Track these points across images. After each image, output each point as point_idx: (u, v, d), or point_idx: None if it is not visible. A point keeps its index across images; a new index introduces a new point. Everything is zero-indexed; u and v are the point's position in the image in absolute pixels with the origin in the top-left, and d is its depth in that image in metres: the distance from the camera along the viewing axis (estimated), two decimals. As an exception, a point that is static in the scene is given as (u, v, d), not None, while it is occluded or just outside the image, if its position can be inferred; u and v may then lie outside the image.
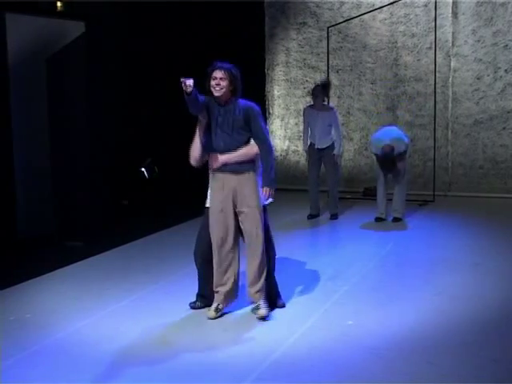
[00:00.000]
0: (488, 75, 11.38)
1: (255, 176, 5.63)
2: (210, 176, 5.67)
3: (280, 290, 6.47)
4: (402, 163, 9.34)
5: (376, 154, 9.36)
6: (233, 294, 5.80)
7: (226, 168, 5.54)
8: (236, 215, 5.64)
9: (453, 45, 11.50)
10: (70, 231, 8.70)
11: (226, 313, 5.85)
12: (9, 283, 6.83)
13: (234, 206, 5.61)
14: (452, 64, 11.55)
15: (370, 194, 10.93)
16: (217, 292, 5.75)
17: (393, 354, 5.03)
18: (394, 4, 11.54)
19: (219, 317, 5.76)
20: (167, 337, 5.37)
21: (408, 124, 11.64)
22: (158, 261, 7.71)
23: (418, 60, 11.70)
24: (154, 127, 7.71)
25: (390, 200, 9.56)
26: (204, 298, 5.97)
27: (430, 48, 11.48)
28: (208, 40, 10.57)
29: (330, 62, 11.77)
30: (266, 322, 5.69)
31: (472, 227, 9.25)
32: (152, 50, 9.69)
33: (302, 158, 12.07)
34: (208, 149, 5.56)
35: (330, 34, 11.68)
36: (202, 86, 5.48)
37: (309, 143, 9.85)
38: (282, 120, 12.74)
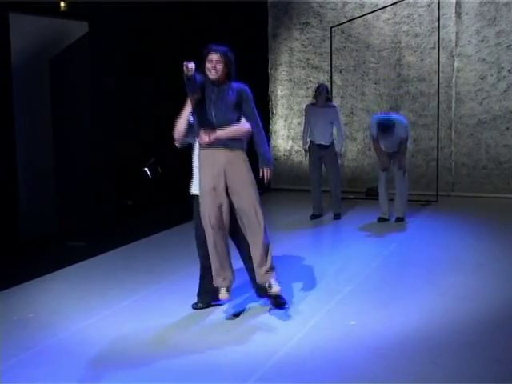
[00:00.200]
0: (491, 75, 11.36)
1: (245, 155, 5.56)
2: (200, 154, 5.55)
3: (283, 289, 6.47)
4: (402, 159, 9.29)
5: (377, 123, 9.24)
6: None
7: (217, 143, 5.45)
8: (228, 196, 5.51)
9: (456, 45, 11.48)
10: (73, 231, 8.71)
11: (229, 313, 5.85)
12: (11, 283, 6.83)
13: (226, 186, 5.48)
14: (455, 64, 11.53)
15: (372, 194, 10.92)
16: (220, 277, 5.63)
17: (396, 354, 5.02)
18: (398, 4, 11.53)
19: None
20: (170, 337, 5.36)
21: (411, 124, 11.58)
22: (160, 261, 7.71)
23: (422, 60, 11.68)
24: (157, 127, 7.69)
25: (392, 200, 9.54)
26: (207, 294, 5.92)
27: (433, 48, 11.46)
28: (211, 40, 10.54)
29: (333, 62, 11.77)
30: (269, 323, 5.68)
31: (475, 227, 9.24)
32: (155, 49, 9.68)
33: (304, 156, 12.04)
34: (201, 123, 5.47)
35: (333, 33, 11.68)
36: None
37: (309, 142, 9.85)
38: (286, 120, 12.74)
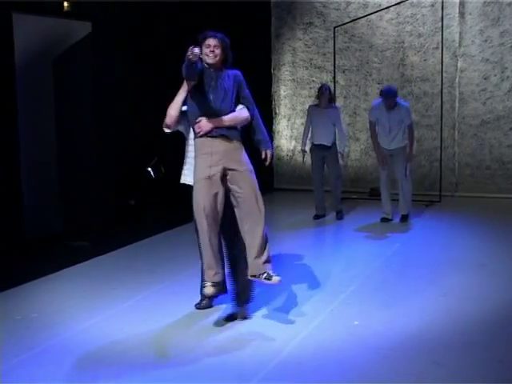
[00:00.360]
0: (495, 75, 11.35)
1: (242, 144, 5.48)
2: (196, 143, 5.42)
3: (286, 289, 6.49)
4: (404, 155, 9.29)
5: (381, 91, 9.33)
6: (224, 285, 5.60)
7: (215, 132, 5.34)
8: (224, 185, 5.37)
9: (460, 45, 11.47)
10: (77, 231, 8.72)
11: (232, 313, 5.84)
12: (16, 283, 6.84)
13: (223, 175, 5.35)
14: (459, 64, 11.52)
15: (376, 195, 10.90)
16: (212, 270, 5.42)
17: (398, 354, 5.02)
18: (401, 4, 11.53)
19: (215, 296, 5.64)
20: (172, 337, 5.37)
21: (415, 124, 11.59)
22: (163, 261, 7.72)
23: (425, 60, 11.67)
24: (160, 127, 7.67)
25: (395, 200, 9.53)
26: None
27: (436, 48, 11.45)
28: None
29: (337, 62, 11.76)
30: (272, 323, 5.68)
31: (478, 228, 9.23)
32: (157, 50, 9.69)
33: (308, 158, 12.05)
34: (199, 111, 5.37)
35: (336, 33, 11.68)
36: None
37: (310, 144, 9.84)
38: (289, 120, 12.74)
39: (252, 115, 5.57)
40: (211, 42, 5.45)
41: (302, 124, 12.39)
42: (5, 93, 7.63)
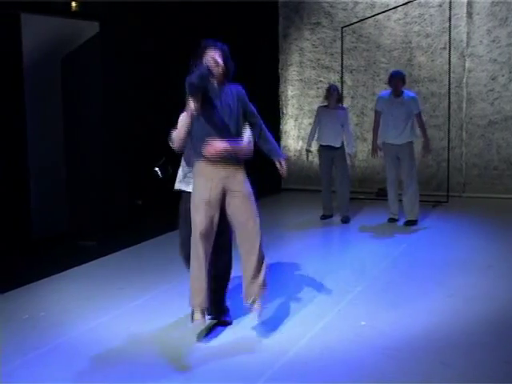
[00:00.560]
0: (503, 75, 11.33)
1: (243, 168, 5.35)
2: (197, 165, 5.26)
3: (293, 289, 6.50)
4: (411, 156, 9.28)
5: (390, 73, 9.42)
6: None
7: (219, 157, 5.17)
8: (222, 210, 5.26)
9: (467, 45, 11.45)
10: (84, 231, 8.74)
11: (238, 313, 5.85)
12: (23, 282, 6.87)
13: (221, 198, 5.22)
14: (466, 64, 11.50)
15: (383, 195, 10.88)
16: (200, 297, 5.20)
17: (405, 354, 5.02)
18: (409, 4, 11.51)
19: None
20: (179, 337, 5.37)
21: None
22: (170, 260, 7.70)
23: (433, 60, 11.66)
24: (168, 127, 7.69)
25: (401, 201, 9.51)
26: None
27: (444, 48, 11.44)
28: (221, 40, 10.57)
29: (344, 62, 11.76)
30: (279, 323, 5.69)
31: (486, 228, 9.21)
32: (166, 49, 9.70)
33: (315, 159, 12.04)
34: (205, 131, 5.17)
35: (343, 34, 11.67)
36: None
37: (316, 144, 9.83)
38: (296, 120, 12.74)
39: (261, 128, 5.47)
40: (212, 52, 5.30)
41: (310, 124, 12.38)
42: (13, 93, 7.65)
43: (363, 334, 5.43)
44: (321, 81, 12.41)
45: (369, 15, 11.78)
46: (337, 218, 9.82)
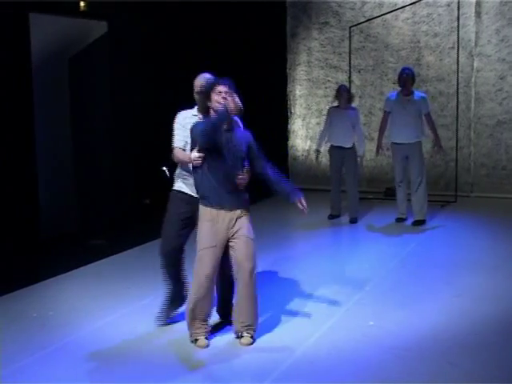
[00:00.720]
0: (511, 75, 11.29)
1: (248, 212, 5.34)
2: (203, 208, 5.25)
3: (301, 289, 6.50)
4: (420, 155, 9.26)
5: (398, 77, 9.40)
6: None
7: (222, 203, 5.20)
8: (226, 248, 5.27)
9: (476, 44, 11.42)
10: (93, 230, 8.76)
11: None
12: (32, 281, 6.90)
13: (228, 239, 5.23)
14: (475, 64, 11.47)
15: (391, 194, 10.88)
16: (205, 322, 5.31)
17: (413, 354, 5.02)
18: (417, 3, 11.49)
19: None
20: (187, 336, 5.37)
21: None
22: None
23: (441, 60, 11.63)
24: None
25: (410, 200, 9.49)
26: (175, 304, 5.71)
27: (452, 48, 11.41)
28: (230, 39, 10.59)
29: (352, 62, 11.74)
30: (287, 323, 5.69)
31: (494, 228, 9.18)
32: (174, 49, 9.71)
33: (323, 158, 12.01)
34: (211, 183, 5.18)
35: (351, 33, 11.65)
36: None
37: (329, 145, 9.81)
38: (304, 120, 12.73)
39: (270, 169, 5.40)
40: (222, 88, 5.19)
41: (318, 124, 12.40)
42: (21, 92, 7.67)
43: (371, 334, 5.42)
44: (329, 80, 12.40)
45: (377, 15, 11.76)
46: (345, 218, 9.80)
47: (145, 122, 9.35)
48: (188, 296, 5.44)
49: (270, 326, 5.58)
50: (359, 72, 12.13)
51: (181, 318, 5.65)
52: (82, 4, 8.36)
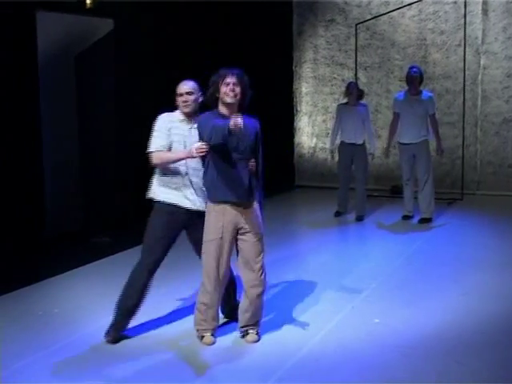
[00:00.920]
0: (518, 73, 11.28)
1: (257, 206, 5.23)
2: (210, 205, 5.17)
3: (307, 287, 6.50)
4: (428, 153, 9.24)
5: (406, 75, 9.39)
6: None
7: (231, 198, 5.08)
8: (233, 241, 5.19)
9: (482, 42, 11.39)
10: (97, 228, 8.76)
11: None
12: (37, 279, 6.91)
13: (236, 233, 5.15)
14: (481, 61, 11.44)
15: (397, 192, 10.87)
16: (212, 318, 5.27)
17: (419, 352, 5.01)
18: (423, 1, 11.46)
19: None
20: (192, 334, 5.37)
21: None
22: (184, 257, 7.71)
23: (447, 57, 11.61)
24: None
25: (417, 198, 9.48)
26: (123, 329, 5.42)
27: (459, 45, 11.38)
28: (236, 37, 10.58)
29: (358, 59, 11.72)
30: (293, 320, 5.69)
31: (500, 226, 9.16)
32: (180, 46, 9.70)
33: (329, 156, 12.00)
34: (219, 177, 5.06)
35: (358, 31, 11.63)
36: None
37: (339, 142, 9.77)
38: (310, 117, 12.72)
39: (258, 172, 5.23)
40: (230, 79, 5.02)
41: (324, 121, 12.40)
42: (28, 90, 7.68)
43: (377, 332, 5.42)
44: (335, 78, 12.39)
45: (383, 12, 11.74)
46: (351, 216, 9.78)
47: (150, 120, 9.33)
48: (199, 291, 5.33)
49: (276, 324, 5.58)
50: (365, 69, 12.11)
51: (183, 315, 5.65)
52: (88, 2, 8.36)
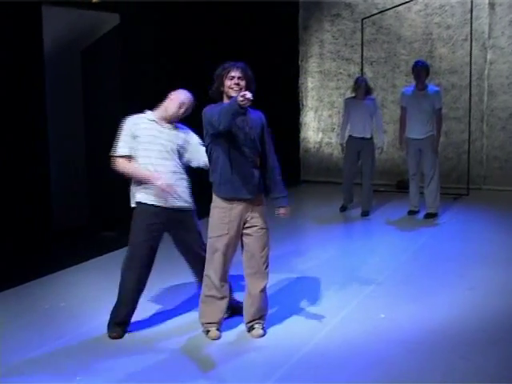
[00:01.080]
0: (525, 67, 11.24)
1: (263, 201, 5.24)
2: (216, 200, 5.16)
3: (312, 282, 6.50)
4: (433, 148, 9.22)
5: (412, 68, 9.36)
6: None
7: (235, 195, 5.08)
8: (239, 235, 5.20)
9: (489, 36, 11.36)
10: (103, 222, 8.77)
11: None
12: (45, 272, 6.93)
13: (243, 227, 5.15)
14: (488, 56, 11.41)
15: (403, 187, 10.86)
16: (218, 313, 5.28)
17: (424, 348, 5.01)
18: (430, -5, 11.45)
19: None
20: (197, 329, 5.38)
21: (442, 116, 11.52)
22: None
23: (454, 52, 11.58)
24: (189, 120, 7.74)
25: (423, 193, 9.46)
26: (125, 324, 5.41)
27: (465, 40, 11.35)
28: (242, 32, 10.57)
29: (364, 54, 11.70)
30: (298, 315, 5.70)
31: (507, 221, 9.15)
32: (186, 41, 9.70)
33: (335, 151, 12.02)
34: (227, 167, 5.04)
35: (364, 25, 11.61)
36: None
37: (347, 137, 9.75)
38: (316, 112, 12.71)
39: (275, 165, 5.23)
40: (235, 73, 5.02)
41: (330, 116, 12.39)
42: (34, 84, 7.68)
43: (382, 327, 5.42)
44: (341, 73, 12.37)
45: (389, 6, 11.71)
46: (357, 211, 9.77)
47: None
48: (202, 286, 5.34)
49: (281, 319, 5.59)
50: (371, 64, 12.09)
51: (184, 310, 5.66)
52: (94, -4, 8.37)
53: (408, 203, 9.56)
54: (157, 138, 5.33)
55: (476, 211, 9.91)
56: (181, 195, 5.34)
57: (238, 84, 5.01)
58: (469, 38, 11.15)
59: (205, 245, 5.31)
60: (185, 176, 5.44)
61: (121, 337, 5.27)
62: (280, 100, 11.55)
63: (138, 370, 4.73)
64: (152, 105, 5.72)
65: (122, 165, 5.39)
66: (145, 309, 5.88)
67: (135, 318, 5.53)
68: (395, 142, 11.94)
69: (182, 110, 5.41)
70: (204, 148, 5.22)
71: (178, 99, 5.46)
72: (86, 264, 7.37)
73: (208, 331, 5.25)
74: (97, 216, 8.96)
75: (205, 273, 5.24)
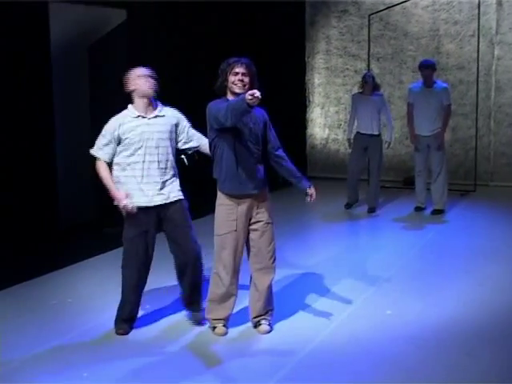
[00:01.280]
0: (532, 64, 11.21)
1: (268, 196, 5.25)
2: (220, 196, 5.16)
3: (319, 278, 6.50)
4: (442, 137, 9.19)
5: (419, 67, 9.33)
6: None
7: (241, 192, 5.08)
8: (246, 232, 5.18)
9: (496, 32, 11.32)
10: (109, 218, 8.77)
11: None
12: (51, 269, 6.95)
13: (249, 223, 5.14)
14: (495, 52, 11.38)
15: (409, 183, 10.85)
16: (225, 309, 5.27)
17: (431, 344, 5.01)
18: (437, -9, 11.42)
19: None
20: (202, 325, 5.39)
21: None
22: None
23: (461, 48, 11.54)
24: (195, 116, 7.71)
25: (430, 189, 9.45)
26: (131, 321, 5.42)
27: (472, 36, 11.32)
28: (248, 28, 10.56)
29: (371, 50, 11.67)
30: (305, 311, 5.70)
31: (514, 218, 9.14)
32: (194, 37, 9.69)
33: (341, 147, 12.00)
34: (233, 164, 5.03)
35: (371, 21, 11.58)
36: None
37: (354, 132, 9.73)
38: (322, 108, 12.69)
39: (284, 156, 5.23)
40: (239, 69, 4.97)
41: (336, 112, 12.37)
42: (41, 81, 7.69)
43: (389, 323, 5.42)
44: (347, 69, 12.35)
45: (396, 2, 11.67)
46: (363, 208, 9.75)
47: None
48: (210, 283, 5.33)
49: (288, 315, 5.59)
50: (378, 60, 12.06)
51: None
52: (101, -8, 8.37)
53: (415, 200, 9.55)
54: (145, 133, 5.27)
55: (483, 207, 9.89)
56: (170, 191, 5.34)
57: (241, 80, 4.98)
58: (476, 33, 11.12)
59: (197, 243, 5.37)
60: (176, 171, 5.44)
61: (127, 333, 5.29)
62: (286, 96, 11.54)
63: (144, 366, 4.75)
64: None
65: (99, 169, 5.41)
66: (152, 305, 5.90)
67: (142, 314, 5.55)
68: (402, 139, 11.95)
69: (151, 81, 5.38)
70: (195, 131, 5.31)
71: (136, 74, 5.48)
72: (93, 260, 7.39)
73: (215, 327, 5.25)
74: (101, 212, 8.96)
75: (213, 270, 5.24)
